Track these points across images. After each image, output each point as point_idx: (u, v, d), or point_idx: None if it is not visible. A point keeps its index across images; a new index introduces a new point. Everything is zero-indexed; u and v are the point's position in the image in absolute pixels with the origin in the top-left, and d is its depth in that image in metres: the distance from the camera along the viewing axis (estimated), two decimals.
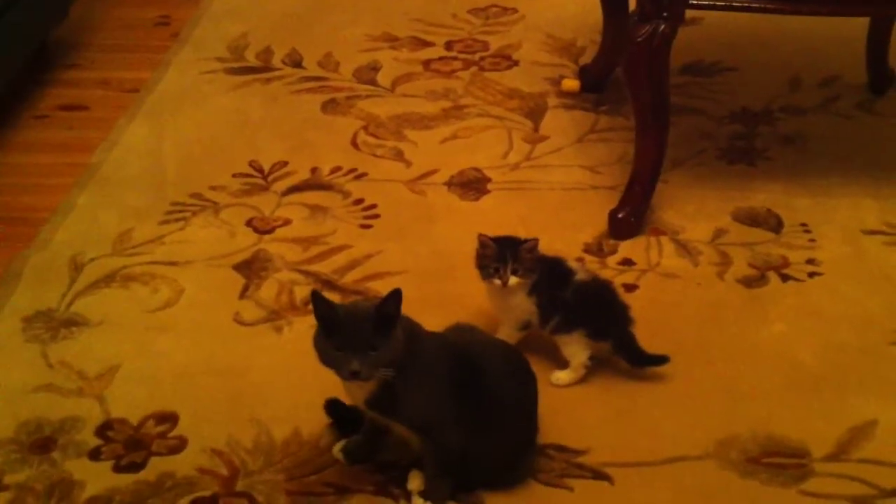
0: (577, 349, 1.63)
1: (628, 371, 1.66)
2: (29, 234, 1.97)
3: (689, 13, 1.87)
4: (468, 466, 1.44)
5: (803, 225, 1.99)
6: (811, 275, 1.86)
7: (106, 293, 1.82)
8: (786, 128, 2.28)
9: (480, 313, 1.76)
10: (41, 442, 1.54)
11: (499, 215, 2.04)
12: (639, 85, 1.89)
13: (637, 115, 1.94)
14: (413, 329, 1.42)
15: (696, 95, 2.39)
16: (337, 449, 1.51)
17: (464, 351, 1.45)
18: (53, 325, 1.75)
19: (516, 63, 2.56)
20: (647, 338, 1.73)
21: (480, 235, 1.65)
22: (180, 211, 2.03)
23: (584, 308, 1.63)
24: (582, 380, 1.64)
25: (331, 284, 1.84)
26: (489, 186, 2.12)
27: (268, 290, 1.82)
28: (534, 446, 1.50)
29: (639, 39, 1.83)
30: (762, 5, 1.87)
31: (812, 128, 2.28)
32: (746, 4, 1.86)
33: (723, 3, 1.85)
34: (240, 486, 1.47)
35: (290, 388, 1.60)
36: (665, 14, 1.82)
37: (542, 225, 2.00)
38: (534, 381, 1.49)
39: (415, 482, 1.46)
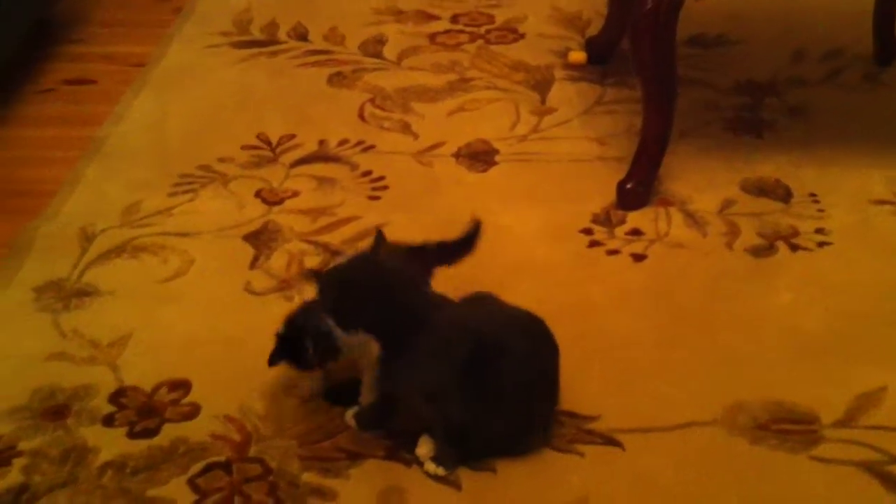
0: None
1: (635, 338, 1.66)
2: (37, 207, 1.97)
3: None
4: (481, 438, 1.45)
5: (812, 195, 1.99)
6: (820, 244, 1.87)
7: (116, 263, 1.82)
8: (792, 99, 2.28)
9: (489, 283, 1.76)
10: (55, 409, 1.54)
11: (507, 187, 2.04)
12: (645, 55, 1.89)
13: (644, 85, 1.94)
14: (422, 301, 1.43)
15: (702, 67, 2.39)
16: (349, 415, 1.51)
17: (480, 325, 1.46)
18: (65, 294, 1.75)
19: (522, 36, 2.55)
20: (655, 306, 1.75)
21: None
22: (189, 183, 2.03)
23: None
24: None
25: (340, 255, 1.84)
26: (497, 158, 2.12)
27: (278, 261, 1.83)
28: (552, 417, 1.51)
29: (646, 8, 1.83)
30: None
31: (818, 99, 2.28)
32: None
33: None
34: (252, 451, 1.48)
35: None
36: None
37: (551, 196, 2.01)
38: (556, 351, 1.49)
39: (424, 448, 1.47)
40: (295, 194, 2.01)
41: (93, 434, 1.50)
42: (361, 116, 2.25)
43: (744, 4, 2.61)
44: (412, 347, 1.41)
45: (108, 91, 2.35)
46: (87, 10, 2.69)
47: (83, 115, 2.28)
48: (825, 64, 2.40)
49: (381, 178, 2.06)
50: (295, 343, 1.49)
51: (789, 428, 1.52)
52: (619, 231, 1.91)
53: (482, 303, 1.54)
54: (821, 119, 2.23)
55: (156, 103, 2.30)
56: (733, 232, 1.90)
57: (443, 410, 1.42)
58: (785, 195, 2.00)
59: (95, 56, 2.50)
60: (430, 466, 1.45)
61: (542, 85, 2.35)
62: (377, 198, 2.00)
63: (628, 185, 1.96)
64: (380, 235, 1.47)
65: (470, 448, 1.45)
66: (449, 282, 1.75)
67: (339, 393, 1.54)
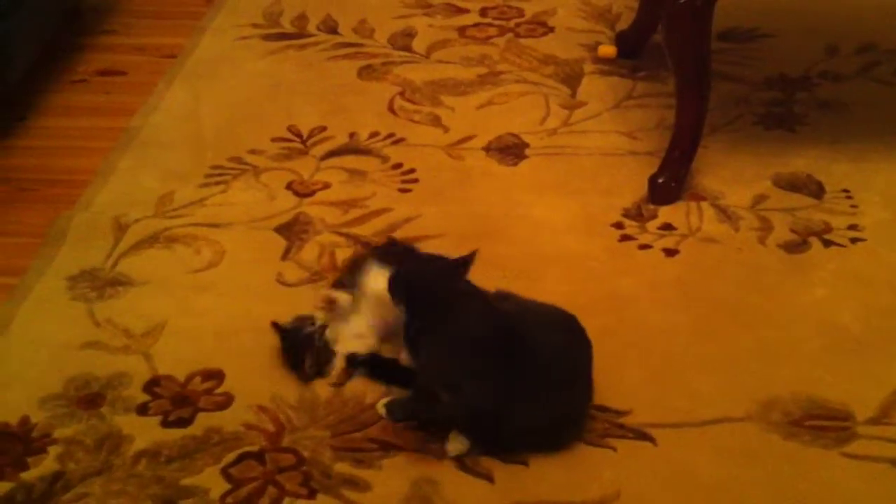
0: None
1: (668, 332, 1.66)
2: (71, 196, 1.99)
3: None
4: (509, 429, 1.45)
5: (845, 191, 1.98)
6: (853, 240, 1.85)
7: (150, 254, 1.84)
8: (824, 94, 2.27)
9: (519, 275, 1.77)
10: (89, 397, 1.56)
11: (537, 180, 2.04)
12: (680, 48, 1.88)
13: (678, 79, 1.93)
14: (453, 290, 1.43)
15: (734, 62, 2.37)
16: (380, 405, 1.52)
17: (509, 320, 1.46)
18: (99, 284, 1.77)
19: (552, 29, 2.55)
20: (688, 300, 1.74)
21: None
22: (220, 174, 2.04)
23: None
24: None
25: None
26: (527, 152, 2.12)
27: (309, 252, 1.83)
28: (585, 413, 1.50)
29: (681, 1, 1.82)
30: None
31: (850, 94, 2.26)
32: None
33: None
34: (285, 441, 1.49)
35: None
36: None
37: (581, 190, 2.00)
38: (588, 347, 1.49)
39: (454, 444, 1.47)
40: (325, 186, 2.01)
41: (127, 422, 1.52)
42: (391, 109, 2.25)
43: None
44: (440, 331, 1.42)
45: (140, 82, 2.36)
46: (119, 1, 2.71)
47: (115, 105, 2.29)
48: (858, 58, 2.38)
49: (412, 170, 2.06)
50: (295, 355, 1.56)
51: (823, 424, 1.51)
52: (651, 225, 1.90)
53: (509, 298, 1.53)
54: (853, 114, 2.21)
55: (188, 95, 2.31)
56: (766, 227, 1.89)
57: (461, 398, 1.42)
58: (817, 191, 1.98)
59: (127, 47, 2.51)
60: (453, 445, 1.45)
61: (572, 79, 2.35)
62: (408, 190, 2.01)
63: (660, 180, 1.95)
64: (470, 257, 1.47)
65: (498, 440, 1.45)
66: (478, 271, 1.75)
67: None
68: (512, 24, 2.58)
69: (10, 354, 1.64)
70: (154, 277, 1.78)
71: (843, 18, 2.53)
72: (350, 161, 2.09)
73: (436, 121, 2.21)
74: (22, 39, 2.16)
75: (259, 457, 1.47)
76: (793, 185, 2.00)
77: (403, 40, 2.51)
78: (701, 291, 1.76)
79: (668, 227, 1.90)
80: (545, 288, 1.75)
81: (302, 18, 2.60)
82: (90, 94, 2.35)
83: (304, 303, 1.72)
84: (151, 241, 1.86)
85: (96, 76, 2.41)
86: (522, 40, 2.50)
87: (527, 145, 2.13)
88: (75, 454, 1.47)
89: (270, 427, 1.51)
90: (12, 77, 2.14)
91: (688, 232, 1.89)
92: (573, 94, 2.29)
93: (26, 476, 1.44)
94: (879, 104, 2.24)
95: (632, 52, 2.39)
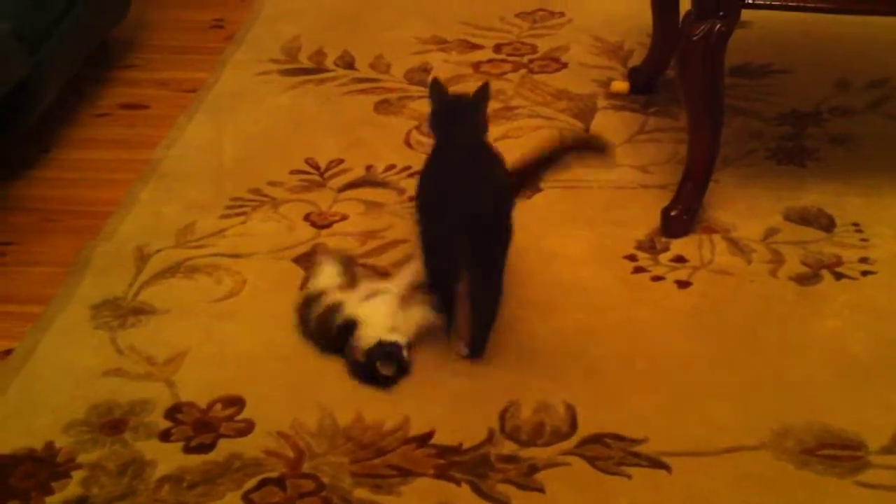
0: None
1: (682, 362, 1.68)
2: (94, 227, 2.03)
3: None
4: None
5: (855, 224, 2.00)
6: (864, 273, 1.88)
7: (171, 283, 1.87)
8: (835, 129, 2.30)
9: (534, 305, 1.79)
10: (112, 423, 1.58)
11: (551, 212, 2.07)
12: (693, 83, 1.92)
13: (691, 113, 1.96)
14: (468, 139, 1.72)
15: (746, 97, 2.41)
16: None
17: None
18: (121, 312, 1.80)
19: (565, 65, 2.59)
20: (702, 331, 1.76)
21: None
22: (240, 206, 2.08)
23: None
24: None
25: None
26: (541, 185, 2.14)
27: None
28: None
29: (695, 37, 1.86)
30: (817, 5, 1.89)
31: (862, 129, 2.30)
32: (801, 4, 1.88)
33: (778, 3, 1.88)
34: (306, 467, 1.51)
35: None
36: (722, 13, 1.84)
37: (595, 222, 2.03)
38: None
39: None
40: (343, 218, 2.05)
41: (150, 448, 1.54)
42: (408, 143, 2.29)
43: (788, 35, 2.63)
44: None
45: (162, 116, 2.41)
46: (141, 36, 2.77)
47: (138, 138, 2.34)
48: (869, 93, 2.42)
49: None
50: (372, 370, 1.63)
51: (836, 453, 1.53)
52: (664, 258, 1.93)
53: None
54: (864, 148, 2.24)
55: (208, 128, 2.36)
56: (777, 260, 1.92)
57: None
58: (828, 224, 2.01)
59: (149, 81, 2.57)
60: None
61: (585, 113, 2.39)
62: None
63: (673, 212, 1.98)
64: (486, 87, 1.75)
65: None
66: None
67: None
68: (525, 59, 2.62)
69: (35, 381, 1.67)
70: (176, 306, 1.81)
71: (854, 54, 2.57)
72: (367, 193, 2.13)
73: None
74: (51, 74, 2.21)
75: (280, 482, 1.49)
76: (804, 218, 2.03)
77: (419, 75, 2.55)
78: (714, 322, 1.78)
79: (680, 259, 1.93)
80: (562, 315, 1.78)
81: (320, 54, 2.65)
82: (113, 127, 2.40)
83: None
84: (173, 270, 1.90)
85: (119, 110, 2.46)
86: (536, 76, 2.55)
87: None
88: (99, 479, 1.50)
89: (290, 453, 1.53)
90: (38, 110, 2.19)
91: (700, 264, 1.91)
92: (586, 129, 2.33)
93: (51, 500, 1.47)
94: (890, 139, 2.27)
95: (644, 87, 2.43)
